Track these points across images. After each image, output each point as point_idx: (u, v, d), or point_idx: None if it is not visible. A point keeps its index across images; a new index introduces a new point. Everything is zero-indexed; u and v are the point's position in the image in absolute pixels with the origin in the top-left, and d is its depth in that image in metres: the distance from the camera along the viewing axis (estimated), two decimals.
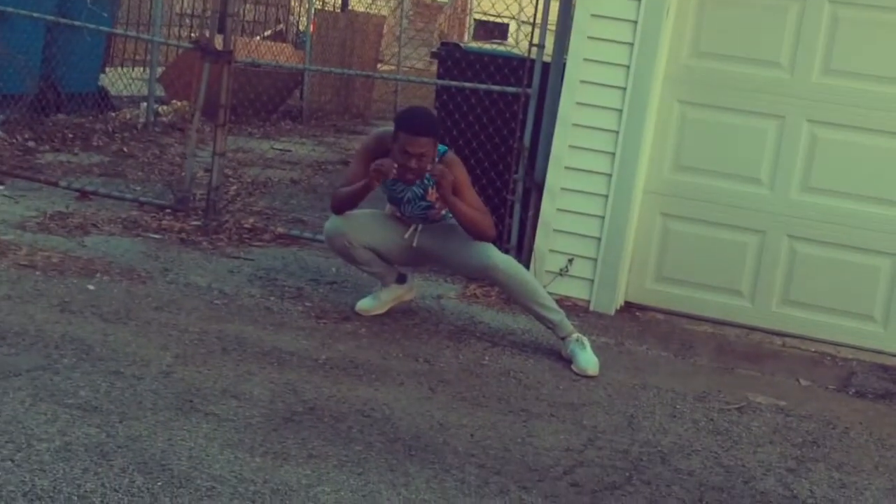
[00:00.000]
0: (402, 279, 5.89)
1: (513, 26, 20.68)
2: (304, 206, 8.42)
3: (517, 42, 17.42)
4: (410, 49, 16.18)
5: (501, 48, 9.23)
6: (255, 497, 3.57)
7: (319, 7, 15.12)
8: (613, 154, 6.32)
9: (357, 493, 3.71)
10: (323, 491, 3.68)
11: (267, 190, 8.81)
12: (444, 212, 5.51)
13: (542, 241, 6.46)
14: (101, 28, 9.33)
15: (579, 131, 6.36)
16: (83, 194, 7.59)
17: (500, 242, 6.13)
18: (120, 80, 11.88)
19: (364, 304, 5.80)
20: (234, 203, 7.74)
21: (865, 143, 6.20)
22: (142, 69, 12.90)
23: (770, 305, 6.43)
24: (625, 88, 6.27)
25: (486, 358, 5.38)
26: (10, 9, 9.14)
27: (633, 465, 4.30)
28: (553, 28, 6.73)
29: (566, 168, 6.40)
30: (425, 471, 3.96)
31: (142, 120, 11.19)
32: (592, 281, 6.44)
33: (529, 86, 6.69)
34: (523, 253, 6.54)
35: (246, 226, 7.20)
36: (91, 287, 5.61)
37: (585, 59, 6.29)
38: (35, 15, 8.90)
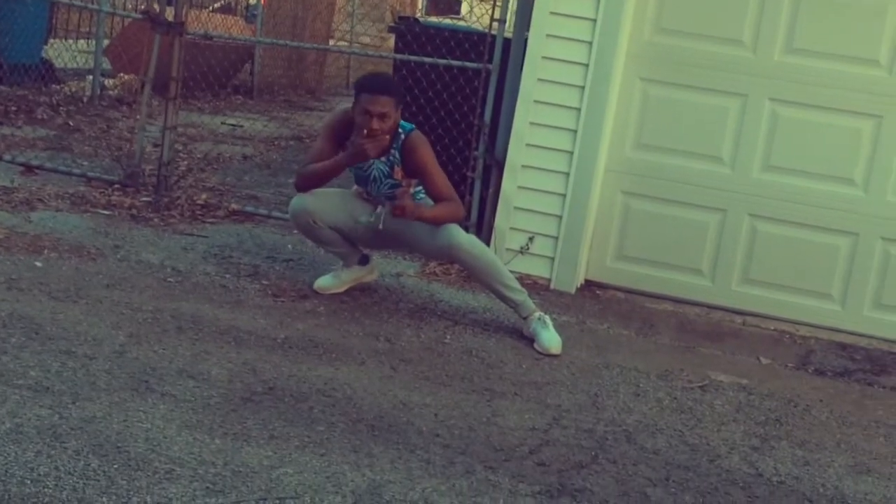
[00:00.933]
0: (364, 260, 5.83)
1: (465, 6, 20.65)
2: (257, 182, 8.33)
3: (471, 17, 17.32)
4: (363, 25, 16.07)
5: (461, 23, 9.17)
6: (216, 479, 3.49)
7: None
8: (575, 131, 6.29)
9: (320, 474, 3.65)
10: (286, 472, 3.62)
11: (219, 166, 8.70)
12: (411, 190, 5.43)
13: (502, 219, 6.43)
14: None
15: (541, 108, 6.32)
16: (28, 169, 7.45)
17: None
18: (65, 53, 11.66)
19: (323, 283, 5.73)
20: (185, 179, 7.62)
21: (827, 122, 6.23)
22: (87, 42, 12.70)
23: (730, 284, 6.45)
24: (587, 65, 6.23)
25: (448, 337, 5.34)
26: None
27: (599, 444, 4.28)
28: (514, 4, 6.68)
29: (527, 145, 6.37)
30: (389, 451, 3.91)
31: (87, 93, 11.01)
32: (553, 259, 6.42)
33: (490, 61, 6.64)
34: (483, 230, 6.49)
35: (198, 202, 7.09)
36: (38, 264, 5.49)
37: (548, 35, 6.25)
38: None
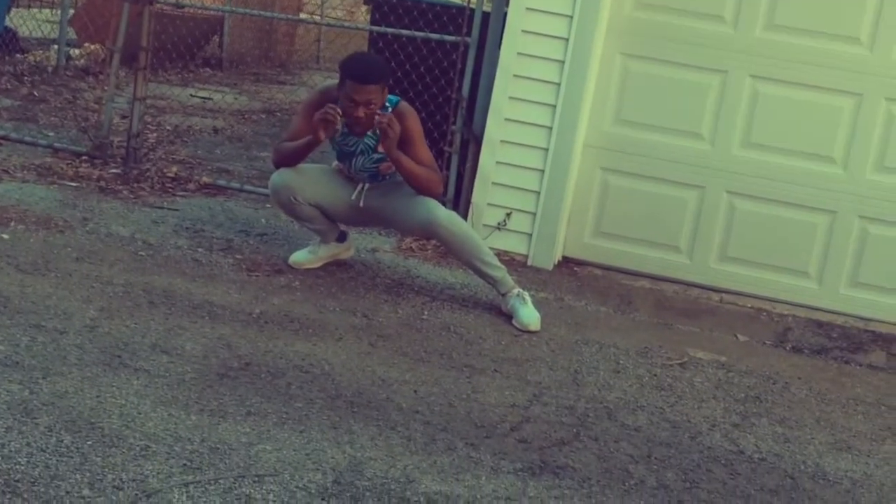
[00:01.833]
0: (342, 237, 5.77)
1: None
2: (229, 155, 8.24)
3: None
4: None
5: None
6: (193, 456, 3.45)
7: None
8: (554, 107, 6.24)
9: (300, 451, 3.61)
10: (264, 449, 3.57)
11: (189, 138, 8.60)
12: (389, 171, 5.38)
13: (479, 195, 6.38)
14: None
15: (520, 82, 6.27)
16: None
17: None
18: (30, 21, 11.51)
19: (298, 257, 5.67)
20: (155, 151, 7.52)
21: (807, 99, 6.21)
22: (52, 11, 12.54)
23: (708, 261, 6.45)
24: (567, 39, 6.18)
25: (426, 313, 5.30)
26: None
27: (580, 420, 4.27)
28: None
29: (506, 120, 6.32)
30: (370, 428, 3.87)
31: (53, 63, 10.86)
32: (531, 235, 6.39)
33: (469, 35, 6.57)
34: (461, 206, 6.44)
35: (169, 175, 7.01)
36: (5, 237, 5.40)
37: (528, 9, 6.18)
38: None
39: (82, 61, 11.17)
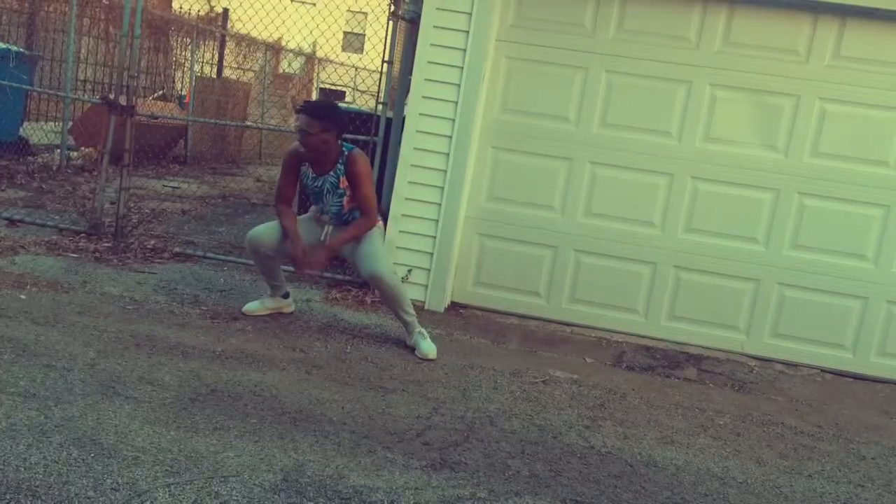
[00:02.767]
0: (286, 296, 5.73)
1: (349, 96, 20.69)
2: (194, 230, 8.15)
3: (354, 102, 17.38)
4: (269, 113, 15.98)
5: (354, 105, 9.16)
6: (173, 463, 3.42)
7: (199, 74, 14.73)
8: (443, 188, 6.30)
9: (255, 456, 3.59)
10: (228, 456, 3.55)
11: (163, 218, 8.49)
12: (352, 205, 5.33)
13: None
14: (22, 86, 8.86)
15: (416, 170, 6.32)
16: (11, 222, 7.19)
17: None
18: (38, 131, 11.32)
19: (250, 307, 5.64)
20: (137, 229, 7.43)
21: (632, 178, 6.27)
22: (55, 123, 12.36)
23: (561, 303, 6.49)
24: (451, 137, 6.25)
25: (349, 348, 5.29)
26: None
27: (469, 427, 4.28)
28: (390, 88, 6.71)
29: (406, 199, 6.35)
30: (308, 437, 3.87)
31: (56, 163, 10.67)
32: (427, 286, 6.41)
33: (377, 135, 6.65)
34: None
35: (148, 246, 6.93)
36: (23, 297, 5.31)
37: (420, 114, 6.26)
38: None
39: (79, 161, 11.00)
